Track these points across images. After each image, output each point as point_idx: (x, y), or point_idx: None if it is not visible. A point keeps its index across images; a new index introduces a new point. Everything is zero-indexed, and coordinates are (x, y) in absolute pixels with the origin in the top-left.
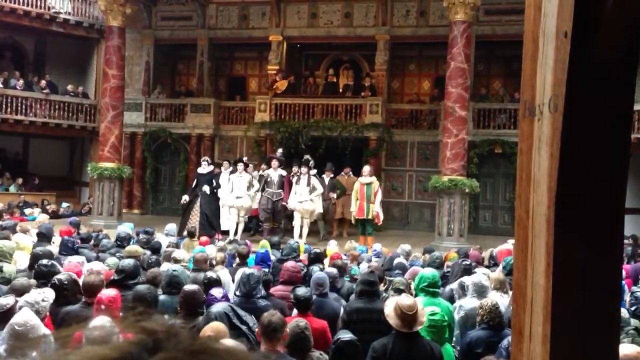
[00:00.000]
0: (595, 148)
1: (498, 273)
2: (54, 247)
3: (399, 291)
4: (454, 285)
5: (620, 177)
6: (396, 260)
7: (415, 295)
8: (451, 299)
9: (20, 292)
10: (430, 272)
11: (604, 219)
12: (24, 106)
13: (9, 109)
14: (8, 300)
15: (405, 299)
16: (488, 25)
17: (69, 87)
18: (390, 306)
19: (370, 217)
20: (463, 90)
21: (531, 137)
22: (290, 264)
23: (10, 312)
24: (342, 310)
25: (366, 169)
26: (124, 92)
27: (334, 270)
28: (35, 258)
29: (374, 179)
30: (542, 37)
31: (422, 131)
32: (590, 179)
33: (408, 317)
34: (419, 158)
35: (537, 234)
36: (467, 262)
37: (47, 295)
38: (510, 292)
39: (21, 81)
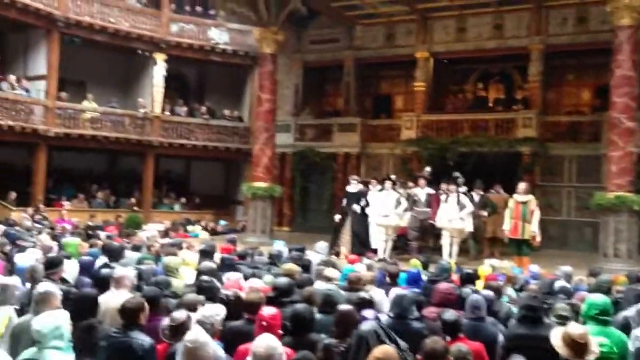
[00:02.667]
0: None
1: None
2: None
3: (562, 318)
4: (630, 313)
5: None
6: (558, 284)
7: (584, 323)
8: (624, 328)
9: (190, 307)
10: (601, 298)
11: None
12: (187, 131)
13: (174, 134)
14: (181, 315)
15: (575, 327)
16: None
17: (226, 112)
18: (558, 334)
19: (526, 237)
20: (630, 99)
21: None
22: (443, 285)
23: (184, 326)
24: (500, 336)
25: (522, 186)
26: (275, 115)
27: (491, 293)
28: (200, 275)
29: (531, 197)
30: None
31: (582, 145)
32: None
33: (579, 346)
34: (578, 173)
35: None
36: None
37: (219, 311)
38: None
39: (185, 108)
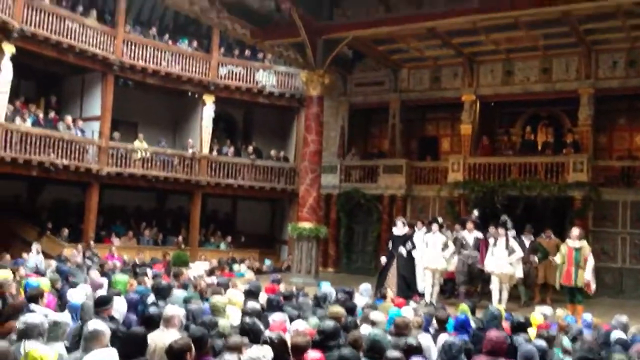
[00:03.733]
0: None
1: None
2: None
3: None
4: None
5: None
6: (613, 334)
7: None
8: None
9: (234, 349)
10: None
11: None
12: (233, 171)
13: (221, 174)
14: (232, 357)
15: None
16: None
17: (272, 152)
18: None
19: (579, 284)
20: None
21: None
22: (494, 333)
23: None
24: None
25: (575, 231)
26: (321, 155)
27: (543, 343)
28: (244, 315)
29: (584, 242)
30: None
31: (636, 189)
32: None
33: None
34: (633, 219)
35: None
36: None
37: (265, 352)
38: None
39: (232, 148)
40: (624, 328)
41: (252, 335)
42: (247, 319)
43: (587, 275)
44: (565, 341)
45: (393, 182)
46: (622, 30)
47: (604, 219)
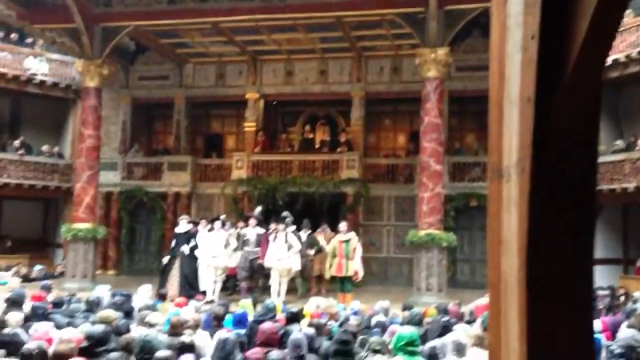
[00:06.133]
0: (563, 208)
1: (476, 328)
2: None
3: (375, 351)
4: (436, 343)
5: (589, 234)
6: (375, 318)
7: (394, 355)
8: (432, 357)
9: None
10: (408, 330)
11: (575, 277)
12: None
13: None
14: None
15: None
16: (460, 81)
17: (44, 148)
18: None
19: (349, 274)
20: (437, 144)
21: (500, 199)
22: (266, 325)
23: None
24: None
25: (342, 225)
26: (99, 151)
27: (312, 331)
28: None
29: (352, 234)
30: (507, 101)
31: (398, 185)
32: (559, 239)
33: None
34: (396, 212)
35: (510, 297)
36: (446, 319)
37: None
38: None
39: None
40: (386, 312)
41: (12, 347)
42: (6, 331)
43: (356, 264)
44: (334, 329)
45: (178, 180)
46: (387, 38)
47: (372, 213)
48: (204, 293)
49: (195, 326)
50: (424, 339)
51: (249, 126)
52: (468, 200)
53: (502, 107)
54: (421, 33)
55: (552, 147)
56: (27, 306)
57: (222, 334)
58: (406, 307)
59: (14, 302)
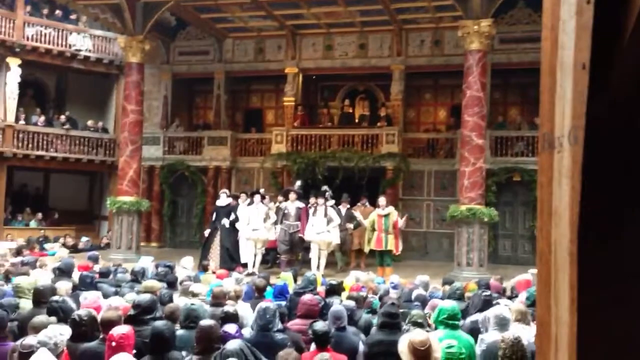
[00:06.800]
0: (618, 180)
1: (519, 304)
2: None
3: (417, 324)
4: (478, 317)
5: None
6: (415, 292)
7: (435, 328)
8: (473, 332)
9: (39, 330)
10: (449, 304)
11: (629, 251)
12: (44, 142)
13: (30, 145)
14: (31, 341)
15: (418, 334)
16: (503, 53)
17: (89, 123)
18: (404, 342)
19: (389, 248)
20: (479, 118)
21: (551, 169)
22: (307, 297)
23: (31, 353)
24: (361, 344)
25: (382, 200)
26: (142, 126)
27: (352, 303)
28: (37, 294)
29: (391, 209)
30: (560, 69)
31: (439, 160)
32: (613, 212)
33: (420, 352)
34: (436, 187)
35: (561, 269)
36: (488, 294)
37: (62, 331)
38: (533, 324)
39: (42, 117)
40: (425, 286)
41: (62, 313)
42: (56, 298)
43: (400, 224)
44: (375, 302)
45: (218, 154)
46: (428, 11)
47: (412, 188)
48: (244, 265)
49: (237, 297)
50: (464, 313)
51: (288, 101)
52: (511, 175)
53: (555, 75)
54: (464, 4)
55: (608, 117)
56: (75, 275)
57: (262, 304)
58: (446, 282)
59: (63, 272)
